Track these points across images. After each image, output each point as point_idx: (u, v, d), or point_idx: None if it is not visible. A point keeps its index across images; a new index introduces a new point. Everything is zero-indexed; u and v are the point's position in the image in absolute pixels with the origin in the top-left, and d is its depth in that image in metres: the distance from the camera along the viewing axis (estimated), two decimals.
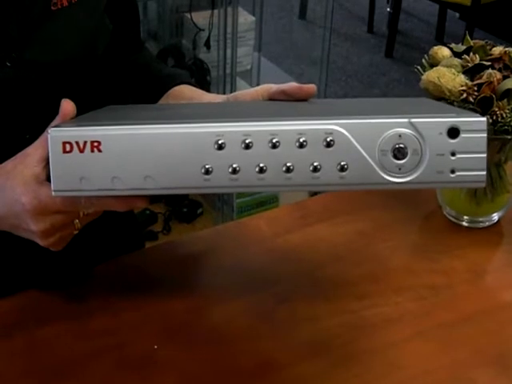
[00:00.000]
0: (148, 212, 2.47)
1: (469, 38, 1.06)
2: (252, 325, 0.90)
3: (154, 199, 2.52)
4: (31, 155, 0.75)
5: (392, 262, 1.01)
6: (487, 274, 1.03)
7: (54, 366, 0.84)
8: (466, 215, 1.09)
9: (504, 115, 0.96)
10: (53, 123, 0.75)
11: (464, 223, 1.09)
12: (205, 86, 2.40)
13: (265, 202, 2.55)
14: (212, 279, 1.00)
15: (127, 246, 1.12)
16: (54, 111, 0.77)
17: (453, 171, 0.68)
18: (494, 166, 1.03)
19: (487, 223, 1.09)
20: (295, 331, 0.89)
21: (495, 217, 1.09)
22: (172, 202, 2.52)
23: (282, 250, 1.03)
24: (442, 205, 1.11)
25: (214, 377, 0.83)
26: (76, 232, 0.79)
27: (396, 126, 0.67)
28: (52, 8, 0.87)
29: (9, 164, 0.77)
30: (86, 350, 0.86)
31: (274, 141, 0.67)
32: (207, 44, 2.46)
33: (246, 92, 0.88)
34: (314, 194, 2.58)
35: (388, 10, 4.31)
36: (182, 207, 2.51)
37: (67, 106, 0.76)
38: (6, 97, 0.87)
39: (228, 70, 2.38)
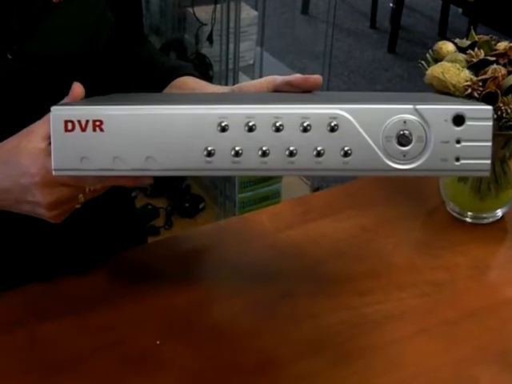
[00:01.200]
0: (150, 207, 2.46)
1: (473, 33, 1.05)
2: (254, 321, 0.89)
3: (155, 193, 2.49)
4: (35, 132, 0.75)
5: (394, 258, 1.01)
6: (491, 270, 1.03)
7: (56, 362, 0.83)
8: (470, 211, 1.08)
9: (509, 111, 0.95)
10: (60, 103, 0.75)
11: (468, 219, 1.09)
12: (207, 80, 2.38)
13: (267, 197, 2.55)
14: (214, 275, 0.99)
15: (130, 240, 1.12)
16: (52, 103, 0.76)
17: (457, 159, 0.67)
18: (498, 162, 1.03)
19: (491, 219, 1.09)
20: (297, 328, 0.88)
21: (499, 213, 1.09)
22: (174, 196, 2.52)
23: (284, 245, 1.02)
24: (446, 200, 1.10)
25: (215, 373, 0.83)
26: (78, 206, 0.79)
27: (401, 112, 0.67)
28: (53, 1, 0.87)
29: (13, 140, 0.77)
30: (88, 346, 0.85)
31: (278, 124, 0.67)
32: (210, 39, 2.45)
33: (250, 83, 0.88)
34: (317, 189, 2.58)
35: (391, 5, 4.29)
36: (184, 202, 2.50)
37: (77, 89, 0.77)
38: (6, 89, 0.87)
39: (230, 65, 2.38)
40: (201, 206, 2.53)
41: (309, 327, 0.89)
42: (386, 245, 1.03)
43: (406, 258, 1.01)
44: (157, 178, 0.74)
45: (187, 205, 2.50)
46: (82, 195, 0.77)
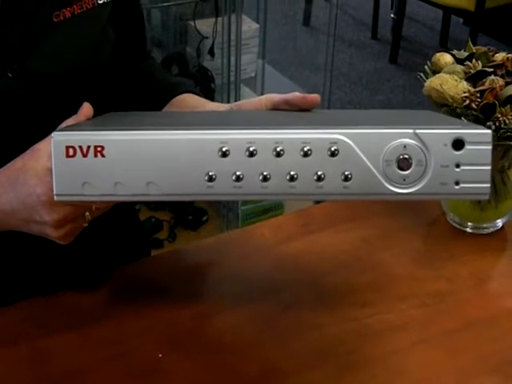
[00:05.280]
0: (153, 220, 2.47)
1: (471, 44, 1.06)
2: (256, 333, 0.90)
3: (158, 206, 2.49)
4: (41, 150, 0.76)
5: (396, 270, 1.01)
6: (491, 280, 1.03)
7: (59, 375, 0.84)
8: (470, 221, 1.09)
9: (507, 121, 0.96)
10: (67, 121, 0.76)
11: (468, 229, 1.09)
12: (209, 93, 2.40)
13: (270, 209, 2.55)
14: (216, 287, 1.00)
15: (133, 253, 1.12)
16: (57, 121, 0.77)
17: (457, 183, 0.68)
18: (497, 173, 1.03)
19: (491, 229, 1.09)
20: (299, 339, 0.89)
21: (499, 223, 1.09)
22: (177, 209, 2.53)
23: (286, 257, 1.03)
24: (446, 211, 1.11)
25: None
26: (86, 225, 0.80)
27: (401, 137, 0.67)
28: (54, 19, 0.88)
29: (18, 161, 0.78)
30: (91, 359, 0.86)
31: (279, 149, 0.67)
32: (211, 52, 2.46)
33: (249, 101, 0.89)
34: (318, 201, 2.58)
35: (392, 15, 4.31)
36: (187, 215, 2.51)
37: (87, 109, 0.78)
38: (7, 107, 0.87)
39: (232, 78, 2.38)
40: (204, 218, 2.53)
41: (311, 338, 0.89)
42: (386, 256, 1.03)
43: (407, 269, 1.01)
44: None
45: (190, 217, 2.51)
46: (88, 213, 0.78)
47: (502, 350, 0.89)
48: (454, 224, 1.10)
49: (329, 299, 0.95)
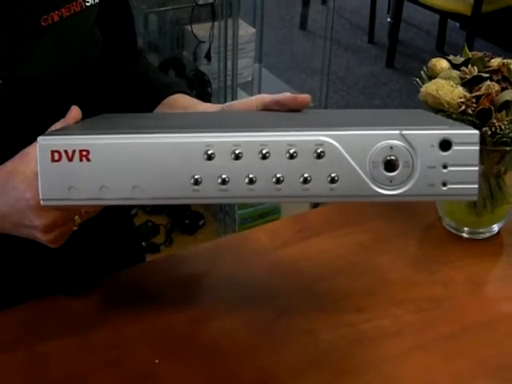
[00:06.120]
0: (150, 224, 2.47)
1: (467, 49, 1.06)
2: (252, 338, 0.90)
3: (155, 211, 2.49)
4: (30, 154, 0.76)
5: (392, 275, 1.01)
6: (488, 285, 1.03)
7: (55, 381, 0.84)
8: (466, 226, 1.09)
9: (503, 127, 0.96)
10: (56, 125, 0.76)
11: (464, 234, 1.09)
12: (206, 97, 2.40)
13: (267, 213, 2.55)
14: (212, 292, 1.00)
15: (128, 259, 1.12)
16: (48, 125, 0.77)
17: (444, 184, 0.67)
18: (493, 178, 1.04)
19: (487, 234, 1.09)
20: (294, 344, 0.89)
21: (495, 228, 1.09)
22: (174, 213, 2.53)
23: (282, 262, 1.03)
24: (442, 216, 1.11)
25: None
26: (75, 228, 0.79)
27: (387, 138, 0.67)
28: (42, 23, 0.87)
29: (8, 165, 0.78)
30: (87, 364, 0.86)
31: (264, 151, 0.67)
32: (208, 56, 2.46)
33: (240, 102, 0.88)
34: (316, 205, 2.58)
35: (388, 20, 4.32)
36: (184, 219, 2.51)
37: (75, 113, 0.78)
38: None
39: (229, 82, 2.39)
40: (201, 222, 2.53)
41: (307, 344, 0.89)
42: (382, 261, 1.03)
43: (403, 274, 1.01)
44: None
45: (187, 221, 2.51)
46: (77, 217, 0.78)
47: (499, 355, 0.89)
48: (450, 229, 1.10)
49: (324, 304, 0.95)
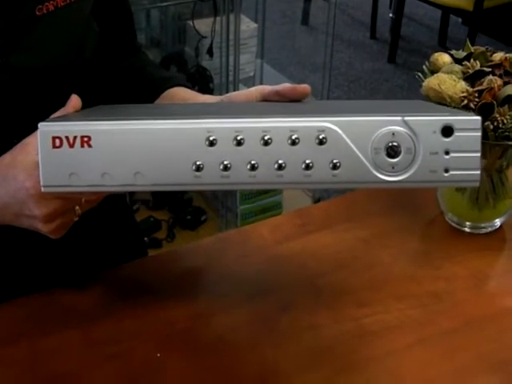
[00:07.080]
0: (152, 219, 2.47)
1: (469, 44, 1.06)
2: (254, 333, 0.90)
3: (157, 206, 2.49)
4: (30, 144, 0.76)
5: (393, 269, 1.01)
6: (490, 279, 1.03)
7: (58, 375, 0.84)
8: (468, 221, 1.09)
9: (505, 121, 0.96)
10: (55, 114, 0.76)
11: (466, 229, 1.09)
12: (208, 93, 2.39)
13: (269, 208, 2.55)
14: (214, 287, 1.00)
15: (129, 253, 1.12)
16: (43, 115, 0.77)
17: (446, 170, 0.67)
18: (495, 172, 1.03)
19: (489, 229, 1.09)
20: (297, 339, 0.89)
21: (497, 222, 1.09)
22: (176, 209, 2.53)
23: (284, 257, 1.03)
24: (444, 211, 1.11)
25: None
26: (76, 219, 0.79)
27: (389, 124, 0.67)
28: (37, 13, 0.86)
29: (8, 156, 0.78)
30: (90, 358, 0.86)
31: (266, 138, 0.66)
32: (210, 51, 2.46)
33: (239, 93, 0.88)
34: (318, 200, 2.58)
35: (390, 15, 4.31)
36: (186, 214, 2.51)
37: (75, 101, 0.78)
38: None
39: (231, 77, 2.38)
40: (203, 218, 2.53)
41: (309, 339, 0.89)
42: (384, 256, 1.03)
43: (405, 269, 1.01)
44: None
45: (189, 217, 2.51)
46: (78, 207, 0.78)
47: (500, 350, 0.89)
48: (453, 224, 1.10)
49: (326, 299, 0.95)
